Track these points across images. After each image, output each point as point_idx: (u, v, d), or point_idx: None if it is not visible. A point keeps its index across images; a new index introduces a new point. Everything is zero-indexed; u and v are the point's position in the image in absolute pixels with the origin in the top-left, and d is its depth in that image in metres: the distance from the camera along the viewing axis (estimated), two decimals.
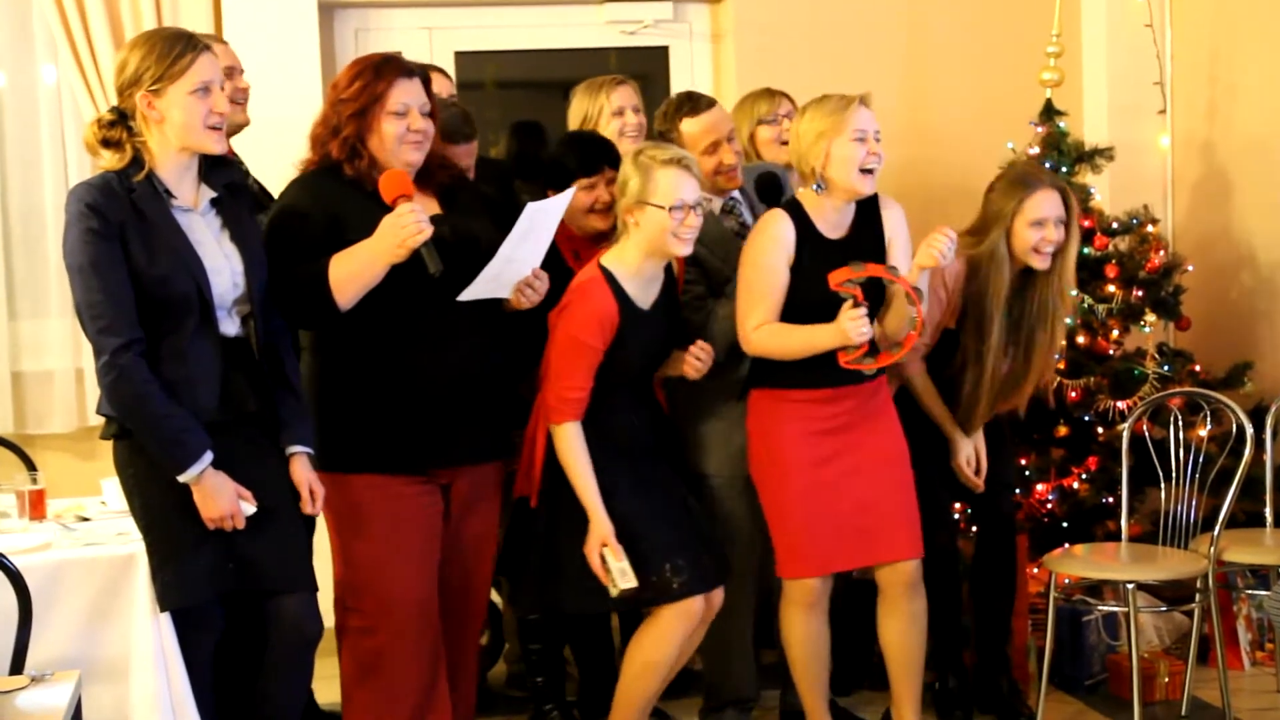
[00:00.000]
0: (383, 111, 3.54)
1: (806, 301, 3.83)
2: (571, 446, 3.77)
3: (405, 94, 3.55)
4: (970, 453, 4.29)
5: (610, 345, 3.79)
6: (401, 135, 3.55)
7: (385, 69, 3.57)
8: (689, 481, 4.10)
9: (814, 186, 3.85)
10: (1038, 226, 4.11)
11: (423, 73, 3.65)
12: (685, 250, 3.80)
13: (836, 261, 3.78)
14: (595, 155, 4.09)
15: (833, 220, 3.89)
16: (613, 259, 3.84)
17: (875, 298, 3.84)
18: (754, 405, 3.96)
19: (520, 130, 4.73)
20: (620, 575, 3.75)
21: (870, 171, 3.82)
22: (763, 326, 3.84)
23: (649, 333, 3.87)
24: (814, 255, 3.83)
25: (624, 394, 3.90)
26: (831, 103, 3.82)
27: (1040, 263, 4.14)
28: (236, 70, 4.25)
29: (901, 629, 4.01)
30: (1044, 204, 4.11)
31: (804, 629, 3.98)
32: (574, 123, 4.53)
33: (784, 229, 3.85)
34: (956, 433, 4.27)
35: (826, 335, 3.77)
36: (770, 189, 4.10)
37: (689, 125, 4.17)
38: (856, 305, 3.71)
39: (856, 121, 3.79)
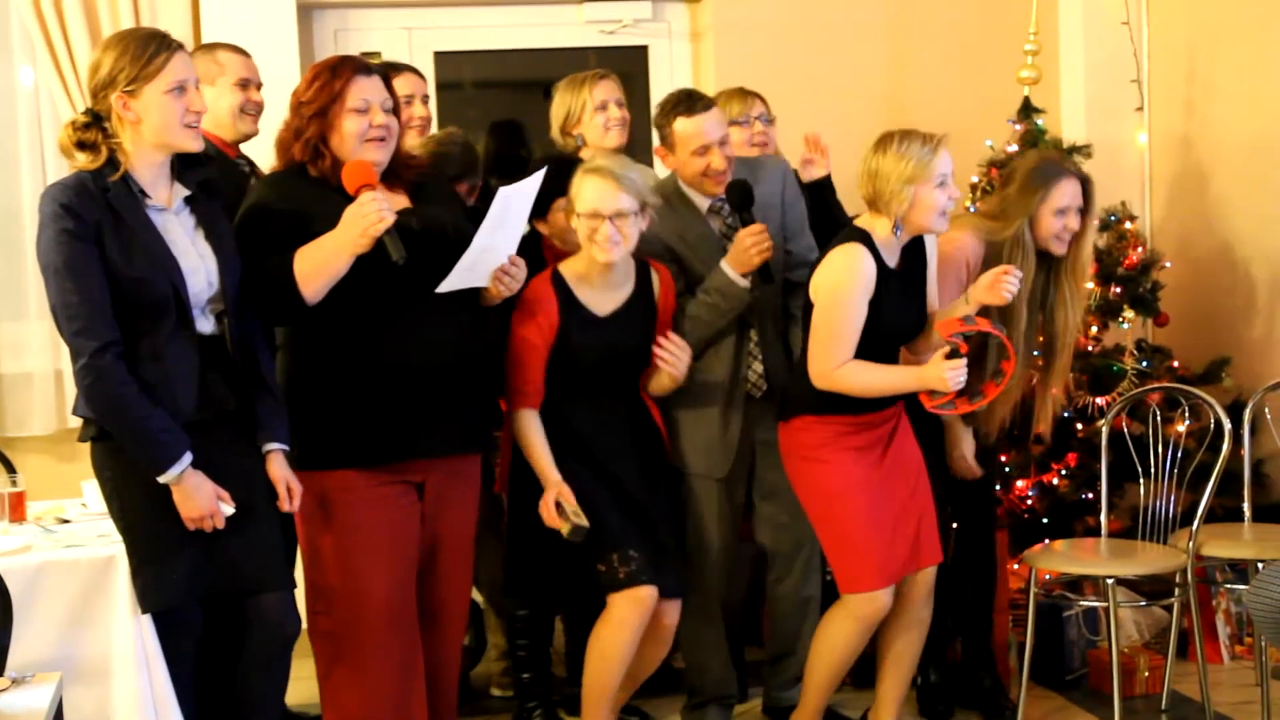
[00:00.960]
0: (342, 109, 3.53)
1: (872, 332, 3.83)
2: (525, 429, 3.91)
3: (364, 91, 3.54)
4: (973, 446, 4.31)
5: (555, 345, 3.89)
6: (363, 132, 3.54)
7: (342, 68, 3.56)
8: (668, 488, 4.13)
9: (894, 229, 3.81)
10: (1061, 215, 4.18)
11: (382, 70, 3.64)
12: (605, 258, 3.86)
13: (897, 290, 3.83)
14: (569, 175, 4.05)
15: (892, 251, 3.89)
16: (567, 264, 3.97)
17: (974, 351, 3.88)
18: (801, 429, 3.95)
19: (499, 130, 4.74)
20: (575, 515, 3.82)
21: (945, 214, 3.83)
22: (846, 365, 3.81)
23: (604, 337, 3.94)
24: (885, 287, 3.83)
25: (587, 395, 3.97)
26: (917, 146, 3.75)
27: (1059, 249, 4.21)
28: (254, 84, 4.28)
29: (911, 635, 4.05)
30: (1068, 192, 4.18)
31: (852, 642, 3.99)
32: (557, 119, 4.53)
33: (869, 267, 3.79)
34: (959, 425, 4.28)
35: (916, 380, 3.79)
36: (742, 197, 4.10)
37: (681, 125, 4.13)
38: (957, 355, 3.73)
39: (942, 166, 3.77)
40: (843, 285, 3.79)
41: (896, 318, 3.88)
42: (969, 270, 4.21)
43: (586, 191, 3.85)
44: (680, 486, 4.19)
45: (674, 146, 4.14)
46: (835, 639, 4.01)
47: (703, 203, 4.20)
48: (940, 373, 3.73)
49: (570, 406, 3.96)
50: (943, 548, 4.45)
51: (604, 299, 3.96)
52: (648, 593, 3.88)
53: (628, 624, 3.89)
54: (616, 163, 3.92)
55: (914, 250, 3.93)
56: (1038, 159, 4.35)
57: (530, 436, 3.91)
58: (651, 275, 4.06)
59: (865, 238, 3.82)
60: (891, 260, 3.86)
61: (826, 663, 4.03)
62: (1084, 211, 4.22)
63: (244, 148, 4.34)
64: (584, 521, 3.82)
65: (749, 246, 3.98)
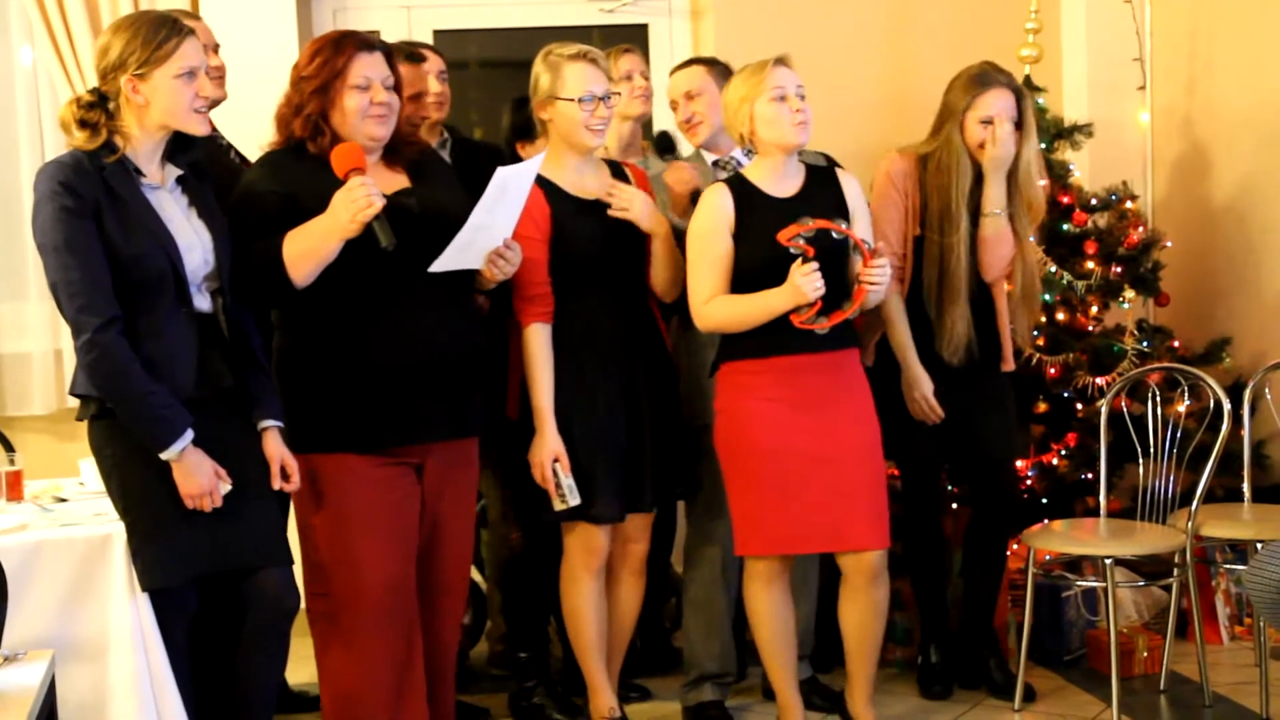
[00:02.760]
0: (344, 86, 3.52)
1: (756, 264, 3.82)
2: (532, 349, 3.90)
3: (366, 67, 3.54)
4: (927, 390, 4.27)
5: (553, 237, 3.88)
6: (364, 109, 3.53)
7: (344, 44, 3.55)
8: (670, 394, 4.11)
9: (745, 151, 3.94)
10: (987, 125, 4.19)
11: (385, 47, 3.63)
12: (598, 141, 3.92)
13: (788, 218, 3.81)
14: None
15: (778, 181, 3.90)
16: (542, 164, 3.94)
17: (833, 261, 3.83)
18: (722, 380, 3.95)
19: (520, 104, 4.74)
20: (569, 491, 3.86)
21: (800, 125, 3.84)
22: (713, 299, 3.85)
23: (596, 221, 3.93)
24: (760, 214, 3.84)
25: (594, 295, 3.95)
26: (750, 67, 3.88)
27: (989, 162, 4.21)
28: (209, 47, 4.24)
29: (861, 616, 3.99)
30: (995, 102, 4.20)
31: (767, 604, 3.98)
32: None
33: (717, 198, 3.88)
34: (914, 364, 4.27)
35: (779, 298, 3.76)
36: (665, 147, 4.19)
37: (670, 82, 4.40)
38: (806, 261, 3.71)
39: (774, 80, 3.81)
40: (694, 225, 3.90)
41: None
42: (906, 193, 4.25)
43: (574, 77, 3.86)
44: (678, 388, 4.17)
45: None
46: (752, 607, 4.01)
47: (708, 158, 4.31)
48: (794, 282, 3.72)
49: (576, 313, 3.93)
50: (935, 523, 4.48)
51: (584, 184, 3.97)
52: (597, 539, 3.99)
53: (578, 570, 4.03)
54: (581, 46, 3.93)
55: (822, 178, 3.96)
56: (974, 68, 4.33)
57: (536, 362, 3.89)
58: (627, 175, 4.08)
59: (736, 176, 3.92)
60: (782, 190, 3.89)
61: (759, 633, 4.03)
62: (1020, 125, 4.23)
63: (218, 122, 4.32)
64: (577, 500, 3.85)
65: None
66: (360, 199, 3.39)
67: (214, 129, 4.25)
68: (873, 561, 3.93)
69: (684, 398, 4.17)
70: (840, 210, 3.92)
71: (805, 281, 3.70)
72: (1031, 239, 4.40)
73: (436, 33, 5.69)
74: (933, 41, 5.76)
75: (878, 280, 3.77)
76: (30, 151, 5.30)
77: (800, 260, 3.73)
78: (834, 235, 3.80)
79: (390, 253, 3.42)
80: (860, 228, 3.94)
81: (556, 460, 3.88)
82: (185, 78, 3.25)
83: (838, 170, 4.04)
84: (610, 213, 3.93)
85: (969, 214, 4.24)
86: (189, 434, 3.24)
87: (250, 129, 4.31)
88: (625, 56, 4.61)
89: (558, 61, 3.89)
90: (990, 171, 4.24)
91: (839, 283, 3.81)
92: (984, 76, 4.25)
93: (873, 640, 4.02)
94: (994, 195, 4.25)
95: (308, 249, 3.45)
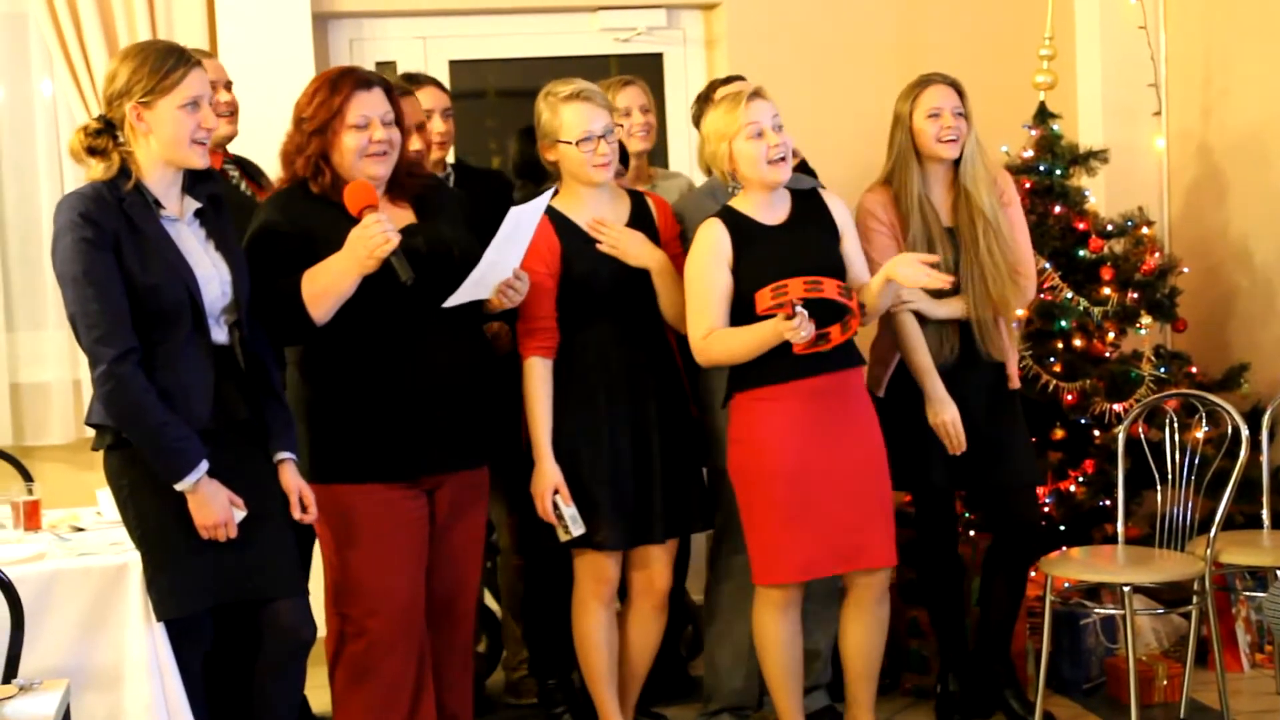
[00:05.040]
0: (342, 126, 3.54)
1: (758, 293, 3.82)
2: (531, 381, 3.92)
3: (364, 106, 3.55)
4: (954, 415, 4.22)
5: (561, 272, 3.90)
6: (362, 148, 3.55)
7: (341, 83, 3.57)
8: (686, 427, 4.10)
9: (730, 188, 3.97)
10: (934, 118, 4.26)
11: (384, 82, 3.65)
12: (605, 176, 3.93)
13: (784, 245, 3.85)
14: None
15: (766, 211, 3.93)
16: (557, 197, 3.97)
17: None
18: (735, 410, 3.96)
19: (527, 134, 4.75)
20: (572, 522, 3.89)
21: (779, 161, 3.85)
22: (711, 334, 3.86)
23: (610, 258, 3.94)
24: (758, 245, 3.87)
25: (606, 325, 3.97)
26: (725, 103, 3.89)
27: (948, 151, 4.27)
28: (221, 84, 4.28)
29: (865, 634, 4.00)
30: (936, 96, 4.28)
31: (779, 632, 3.98)
32: None
33: (713, 233, 3.89)
34: (938, 388, 4.22)
35: (772, 332, 3.76)
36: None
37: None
38: (788, 319, 3.69)
39: (748, 116, 3.83)
40: (691, 259, 3.91)
41: (794, 267, 3.82)
42: (889, 223, 4.26)
43: (570, 118, 3.87)
44: (700, 426, 4.17)
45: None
46: (761, 634, 4.01)
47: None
48: (783, 334, 3.72)
49: (583, 344, 3.95)
50: (952, 549, 4.46)
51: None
52: (607, 568, 4.01)
53: (588, 598, 4.05)
54: (578, 84, 3.94)
55: (808, 201, 3.98)
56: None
57: (534, 395, 3.91)
58: (648, 203, 4.09)
59: (725, 211, 3.93)
60: (772, 218, 3.91)
61: (767, 661, 4.03)
62: (964, 115, 4.29)
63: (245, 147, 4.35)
64: (581, 529, 3.87)
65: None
66: (376, 236, 3.41)
67: (224, 162, 4.30)
68: (883, 580, 3.96)
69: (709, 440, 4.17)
70: (829, 231, 3.96)
71: (791, 335, 3.70)
72: (1012, 211, 4.39)
73: (453, 63, 5.71)
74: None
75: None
76: (50, 182, 5.32)
77: (780, 318, 3.71)
78: (807, 287, 3.78)
79: (401, 289, 3.45)
80: (850, 245, 3.99)
81: (557, 492, 3.89)
82: (188, 108, 3.28)
83: (821, 192, 4.07)
84: (600, 249, 3.94)
85: (923, 210, 4.26)
86: (203, 465, 3.25)
87: (266, 160, 4.35)
88: (625, 90, 4.55)
89: (555, 103, 3.91)
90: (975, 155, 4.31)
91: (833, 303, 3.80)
92: (921, 79, 4.35)
93: (875, 659, 4.04)
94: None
95: (326, 286, 3.48)
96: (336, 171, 3.57)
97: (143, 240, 3.25)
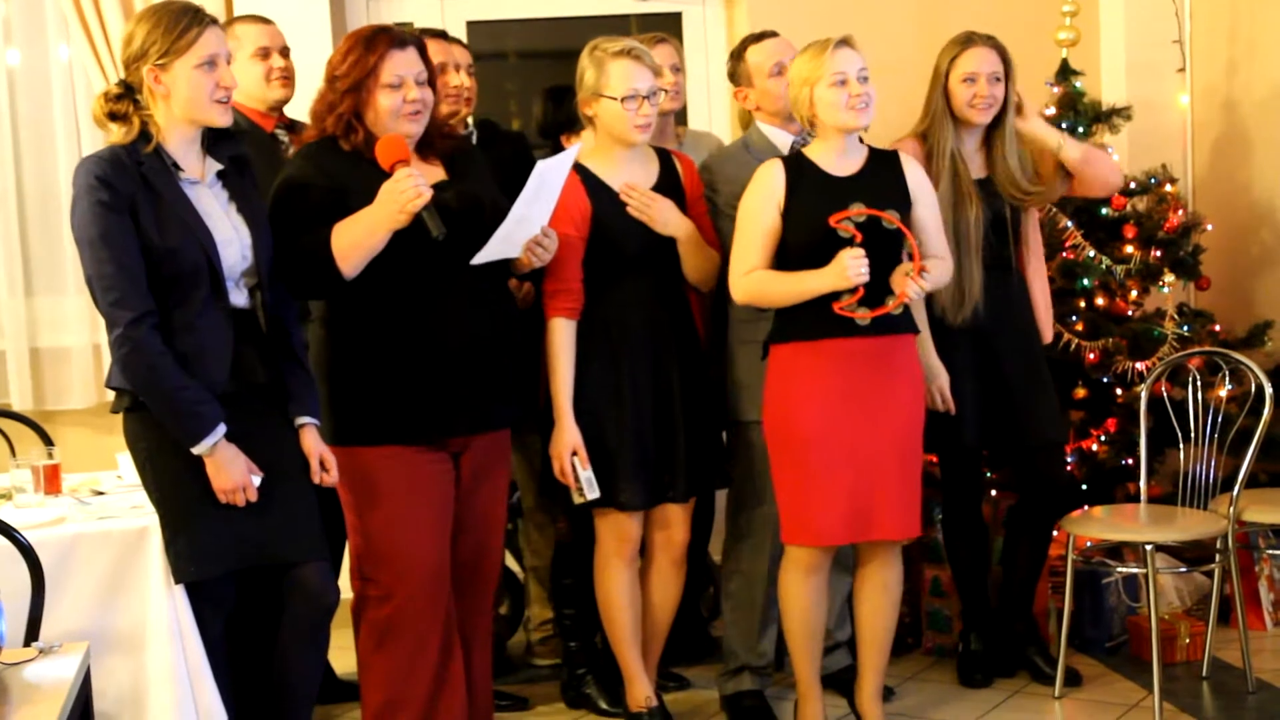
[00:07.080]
0: (377, 85, 3.53)
1: (801, 243, 3.80)
2: (555, 342, 3.91)
3: (399, 65, 3.53)
4: (946, 380, 4.22)
5: (591, 233, 3.89)
6: (397, 108, 3.54)
7: (376, 42, 3.55)
8: (703, 388, 4.09)
9: (805, 134, 3.96)
10: (969, 83, 4.24)
11: (418, 41, 3.63)
12: (644, 137, 3.90)
13: (845, 198, 3.78)
14: None
15: (837, 160, 3.87)
16: (585, 153, 3.95)
17: (883, 250, 3.78)
18: (772, 363, 3.90)
19: (552, 94, 4.73)
20: (588, 485, 3.88)
21: (861, 109, 3.81)
22: (752, 272, 3.84)
23: (640, 223, 3.93)
24: (813, 193, 3.81)
25: (632, 285, 3.96)
26: (812, 49, 3.84)
27: (980, 117, 4.26)
28: (276, 49, 4.33)
29: (880, 602, 3.98)
30: (974, 60, 4.25)
31: (803, 593, 3.95)
32: None
33: (769, 174, 3.86)
34: (933, 356, 4.20)
35: (820, 280, 3.73)
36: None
37: (754, 53, 4.27)
38: (854, 246, 3.68)
39: (834, 65, 3.77)
40: (745, 198, 3.89)
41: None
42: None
43: (619, 74, 3.84)
44: (720, 388, 4.16)
45: (750, 78, 4.24)
46: (785, 595, 3.98)
47: (783, 141, 4.21)
48: (840, 264, 3.68)
49: (609, 303, 3.94)
50: (976, 509, 4.44)
51: (630, 180, 3.96)
52: (629, 527, 4.01)
53: (610, 558, 4.05)
54: (628, 41, 3.92)
55: (884, 160, 3.94)
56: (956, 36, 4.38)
57: (557, 355, 3.90)
58: (675, 163, 4.07)
59: (793, 155, 3.93)
60: (841, 169, 3.86)
61: (789, 622, 4.01)
62: (1005, 79, 4.27)
63: (292, 111, 4.35)
64: (596, 493, 3.86)
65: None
66: (409, 189, 3.40)
67: (276, 125, 4.31)
68: (898, 552, 3.95)
69: (727, 394, 4.16)
70: (901, 194, 3.88)
71: (851, 265, 3.66)
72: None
73: (470, 24, 5.68)
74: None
75: (921, 288, 3.72)
76: (67, 147, 5.32)
77: (849, 245, 3.70)
78: (884, 225, 3.76)
79: (430, 246, 3.44)
80: (925, 212, 3.92)
81: (575, 454, 3.88)
82: (205, 68, 3.26)
83: (900, 154, 4.00)
84: (629, 212, 3.93)
85: (972, 178, 4.26)
86: (221, 429, 3.25)
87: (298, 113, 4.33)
88: (658, 48, 4.45)
89: (603, 58, 3.87)
90: (1014, 128, 4.32)
91: (886, 272, 3.77)
92: (963, 37, 4.31)
93: (887, 631, 4.01)
94: (1038, 135, 4.31)
95: (357, 240, 3.46)
96: (369, 129, 3.56)
97: (160, 203, 3.25)
